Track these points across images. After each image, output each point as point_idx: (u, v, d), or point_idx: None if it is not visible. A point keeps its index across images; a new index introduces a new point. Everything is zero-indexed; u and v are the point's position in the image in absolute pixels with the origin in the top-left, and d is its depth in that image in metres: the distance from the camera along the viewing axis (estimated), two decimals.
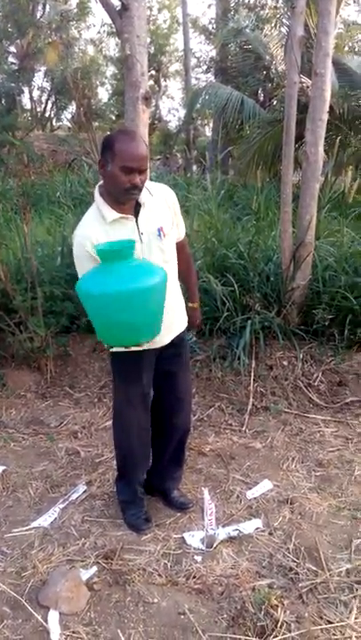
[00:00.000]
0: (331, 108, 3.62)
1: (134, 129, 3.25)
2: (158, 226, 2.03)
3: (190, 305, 2.41)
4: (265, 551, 2.18)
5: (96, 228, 1.97)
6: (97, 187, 2.05)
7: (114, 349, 2.11)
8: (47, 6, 16.18)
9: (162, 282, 1.84)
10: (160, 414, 2.35)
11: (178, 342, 2.24)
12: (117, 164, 1.86)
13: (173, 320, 2.19)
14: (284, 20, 10.08)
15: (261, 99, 11.27)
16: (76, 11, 17.70)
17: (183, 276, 2.35)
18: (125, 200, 1.95)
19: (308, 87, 6.19)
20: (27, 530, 2.34)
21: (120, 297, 1.74)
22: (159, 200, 2.08)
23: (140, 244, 2.00)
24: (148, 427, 2.32)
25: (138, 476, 2.38)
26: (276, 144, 7.78)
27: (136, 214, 2.00)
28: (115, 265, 1.79)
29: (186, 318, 2.31)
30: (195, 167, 14.80)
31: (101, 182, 2.03)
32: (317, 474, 2.72)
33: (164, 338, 2.12)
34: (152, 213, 2.03)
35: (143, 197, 2.01)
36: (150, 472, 2.44)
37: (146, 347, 2.04)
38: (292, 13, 3.64)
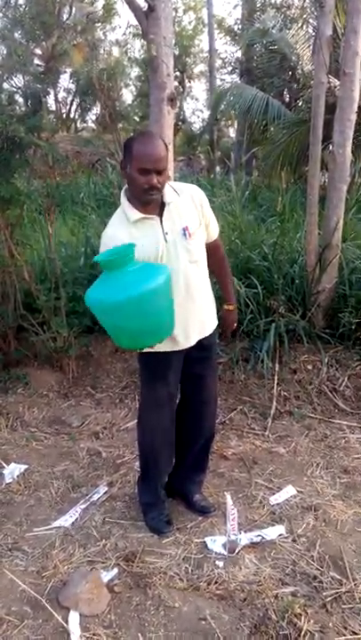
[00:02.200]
0: (359, 108, 3.55)
1: (159, 130, 3.24)
2: (183, 225, 2.01)
3: (226, 307, 2.37)
4: (288, 558, 2.14)
5: (121, 229, 1.98)
6: (123, 189, 2.06)
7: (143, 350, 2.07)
8: (73, 8, 16.35)
9: (163, 282, 1.81)
10: (185, 417, 2.32)
11: (207, 344, 2.20)
12: (135, 165, 1.88)
13: (203, 320, 2.16)
14: (310, 20, 9.99)
15: (287, 99, 11.18)
16: (101, 12, 17.85)
17: (217, 278, 2.33)
18: (146, 200, 1.95)
19: (335, 87, 6.12)
20: (48, 529, 2.34)
21: (119, 306, 1.75)
22: (186, 200, 2.05)
23: (165, 244, 1.99)
24: (172, 428, 2.29)
25: (161, 477, 2.36)
26: (302, 145, 7.72)
27: (160, 214, 2.00)
28: (113, 273, 1.80)
29: (216, 320, 2.26)
30: (218, 168, 14.77)
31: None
32: (342, 481, 2.66)
33: (191, 339, 2.11)
34: (177, 213, 2.02)
35: (169, 197, 2.00)
36: (173, 475, 2.41)
37: (174, 348, 2.05)
38: (320, 13, 3.59)
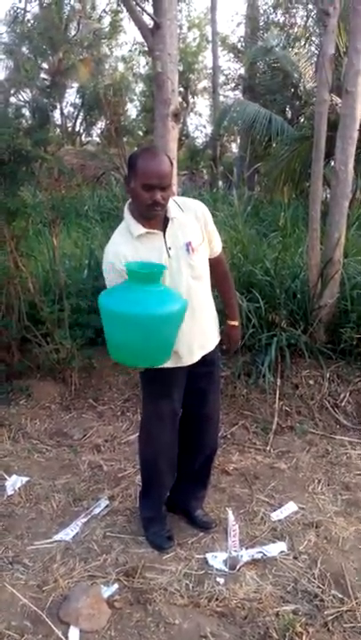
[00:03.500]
0: None
1: (163, 145, 3.28)
2: (186, 241, 2.01)
3: (230, 323, 2.35)
4: (290, 576, 2.13)
5: (124, 243, 1.98)
6: (127, 204, 2.07)
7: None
8: (80, 25, 16.60)
9: (181, 310, 1.86)
10: (187, 432, 2.29)
11: (209, 360, 2.20)
12: (140, 181, 1.88)
13: (206, 336, 2.17)
14: (313, 39, 10.14)
15: (289, 116, 11.30)
16: (108, 29, 18.11)
17: (221, 293, 2.33)
18: (149, 216, 1.96)
19: (337, 105, 6.19)
20: (49, 543, 2.33)
21: (140, 319, 1.77)
22: (189, 215, 2.06)
23: (168, 259, 1.99)
24: (175, 444, 2.27)
25: (162, 493, 2.35)
26: (304, 161, 7.78)
27: (164, 229, 2.00)
28: (141, 287, 1.82)
29: (218, 336, 2.26)
30: (220, 183, 14.88)
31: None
32: (344, 497, 2.65)
33: (195, 355, 2.12)
34: (180, 228, 2.02)
35: (173, 212, 2.01)
36: (174, 490, 2.40)
37: (178, 364, 2.05)
38: (323, 32, 3.65)
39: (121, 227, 2.05)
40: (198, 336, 2.11)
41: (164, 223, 2.00)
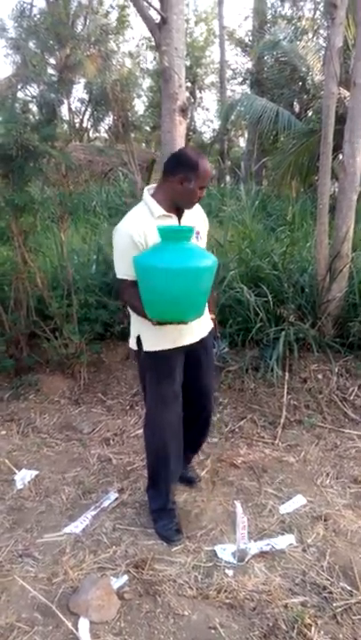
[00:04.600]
0: None
1: (171, 140, 3.28)
2: (196, 229, 2.22)
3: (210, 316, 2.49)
4: (298, 568, 2.13)
5: (144, 220, 2.12)
6: (147, 188, 2.25)
7: (147, 349, 2.22)
8: (87, 20, 16.55)
9: (215, 264, 2.01)
10: (188, 404, 2.39)
11: (205, 338, 2.37)
12: (199, 182, 2.13)
13: (205, 317, 2.33)
14: (321, 32, 10.05)
15: (297, 110, 11.23)
16: (115, 24, 18.04)
17: None
18: (188, 207, 2.21)
19: (345, 98, 6.15)
20: (58, 535, 2.35)
21: (182, 273, 1.89)
22: (198, 213, 2.34)
23: None
24: (180, 427, 2.35)
25: (170, 480, 2.38)
26: (312, 155, 7.75)
27: (179, 215, 2.22)
28: (170, 245, 1.96)
29: (210, 322, 2.45)
30: (228, 178, 14.83)
31: (151, 185, 2.25)
32: (352, 490, 2.65)
33: (195, 334, 2.29)
34: (192, 218, 2.26)
35: None
36: None
37: (179, 344, 2.22)
38: (331, 24, 3.62)
39: (139, 207, 2.20)
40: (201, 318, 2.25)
41: (177, 210, 2.21)
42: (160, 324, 2.07)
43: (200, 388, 2.43)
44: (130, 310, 2.26)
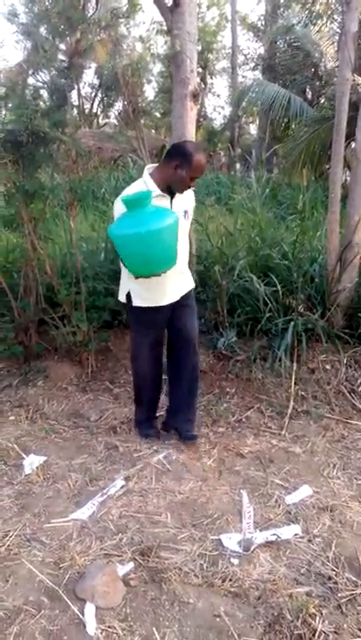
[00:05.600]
0: None
1: (181, 126, 3.25)
2: (185, 209, 2.64)
3: None
4: (303, 558, 2.14)
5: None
6: (147, 167, 2.59)
7: (136, 304, 2.67)
8: (99, 4, 16.39)
9: (174, 222, 2.34)
10: (174, 356, 2.90)
11: (186, 296, 2.79)
12: (191, 173, 2.44)
13: (183, 282, 2.77)
14: (336, 17, 9.87)
15: (309, 97, 11.09)
16: (126, 8, 17.84)
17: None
18: (179, 192, 2.55)
19: (359, 85, 6.05)
20: (65, 521, 2.37)
21: (140, 236, 2.23)
22: (189, 195, 2.69)
23: None
24: (160, 362, 2.95)
25: (150, 401, 3.04)
26: (324, 143, 7.66)
27: (171, 196, 2.56)
28: (134, 213, 2.28)
29: (192, 281, 2.87)
30: (238, 165, 14.71)
31: (152, 165, 2.60)
32: (359, 482, 2.65)
33: (174, 295, 2.71)
34: (182, 200, 2.63)
35: None
36: (168, 415, 3.08)
37: (161, 303, 2.66)
38: (346, 9, 3.55)
39: (138, 182, 2.55)
40: (179, 281, 2.72)
41: (170, 191, 2.54)
42: (140, 277, 2.46)
43: (183, 334, 2.84)
44: (121, 266, 2.64)
